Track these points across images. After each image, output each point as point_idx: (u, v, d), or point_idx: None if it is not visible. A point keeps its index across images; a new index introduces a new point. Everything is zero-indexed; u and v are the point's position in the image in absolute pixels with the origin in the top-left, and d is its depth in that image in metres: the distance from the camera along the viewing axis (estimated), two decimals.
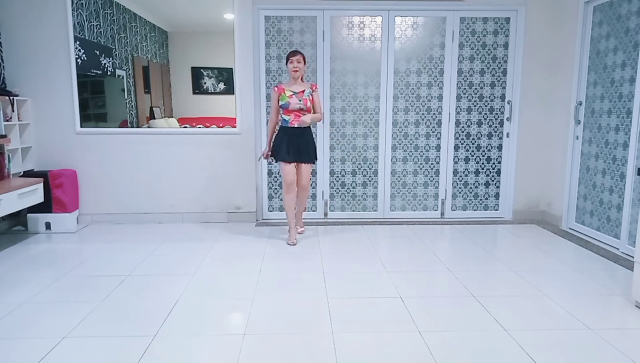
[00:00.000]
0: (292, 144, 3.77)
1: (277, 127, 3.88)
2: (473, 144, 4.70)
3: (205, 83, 4.55)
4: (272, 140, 3.89)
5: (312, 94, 3.82)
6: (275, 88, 3.82)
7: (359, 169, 4.70)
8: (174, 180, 4.56)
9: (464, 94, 4.61)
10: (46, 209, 4.20)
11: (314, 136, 4.05)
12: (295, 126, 3.78)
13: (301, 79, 3.83)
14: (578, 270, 3.31)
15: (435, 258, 3.55)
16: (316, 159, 3.97)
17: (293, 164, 3.82)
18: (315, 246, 3.84)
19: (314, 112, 3.85)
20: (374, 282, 3.06)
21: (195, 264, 3.41)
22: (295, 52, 3.76)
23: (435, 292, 2.91)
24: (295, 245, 3.87)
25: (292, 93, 3.77)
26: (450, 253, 3.67)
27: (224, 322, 2.51)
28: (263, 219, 4.72)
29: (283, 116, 3.82)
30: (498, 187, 4.77)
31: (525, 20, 4.47)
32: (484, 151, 4.71)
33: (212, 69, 4.53)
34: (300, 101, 3.74)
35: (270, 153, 3.90)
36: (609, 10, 3.86)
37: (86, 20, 4.29)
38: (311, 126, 3.90)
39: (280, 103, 3.77)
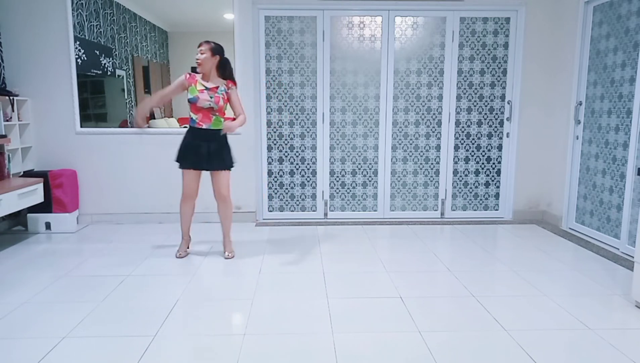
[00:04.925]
0: (200, 149, 3.32)
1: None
2: (473, 144, 4.70)
3: None
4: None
5: (227, 92, 3.34)
6: (188, 75, 3.33)
7: (359, 169, 4.70)
8: (174, 180, 4.55)
9: (464, 94, 4.61)
10: (46, 209, 4.20)
11: (227, 137, 3.44)
12: (204, 127, 3.30)
13: (218, 75, 3.36)
14: (578, 270, 3.31)
15: (435, 258, 3.55)
16: (232, 165, 3.45)
17: (197, 173, 3.41)
18: (315, 246, 3.84)
19: (235, 114, 3.41)
20: (374, 282, 3.06)
21: (195, 264, 3.41)
22: (203, 43, 3.28)
23: (435, 292, 2.91)
24: (182, 257, 3.51)
25: (203, 88, 3.29)
26: (450, 253, 3.67)
27: (224, 322, 2.51)
28: (263, 219, 4.72)
29: (190, 113, 3.34)
30: (498, 187, 4.77)
31: (525, 20, 4.47)
32: (484, 151, 4.71)
33: None
34: (211, 98, 3.27)
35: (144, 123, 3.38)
36: (609, 10, 3.86)
37: (86, 20, 4.29)
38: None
39: (188, 96, 3.28)
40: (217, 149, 3.35)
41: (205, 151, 3.33)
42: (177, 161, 3.43)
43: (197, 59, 3.27)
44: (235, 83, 3.41)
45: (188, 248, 3.65)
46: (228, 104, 3.39)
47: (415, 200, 4.76)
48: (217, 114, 3.32)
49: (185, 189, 3.47)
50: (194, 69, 3.40)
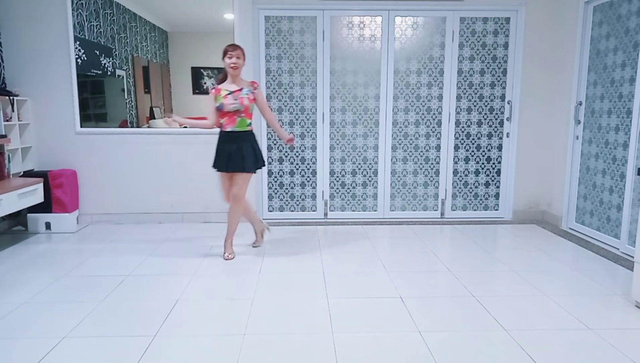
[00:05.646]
0: (225, 151, 3.39)
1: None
2: (473, 144, 4.70)
3: (205, 83, 4.55)
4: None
5: (253, 92, 3.40)
6: (213, 90, 3.40)
7: (359, 169, 4.70)
8: (174, 180, 4.55)
9: (464, 94, 4.61)
10: (46, 209, 4.20)
11: (256, 139, 3.50)
12: (228, 130, 3.37)
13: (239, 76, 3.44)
14: (578, 270, 3.31)
15: (435, 258, 3.55)
16: (257, 167, 3.46)
17: (228, 175, 3.45)
18: (315, 246, 3.84)
19: (269, 119, 3.53)
20: (374, 282, 3.06)
21: (195, 264, 3.41)
22: (235, 46, 3.35)
23: (435, 292, 2.91)
24: (231, 259, 3.51)
25: (227, 92, 3.35)
26: (450, 253, 3.67)
27: (224, 322, 2.51)
28: (263, 219, 4.72)
29: (220, 120, 3.41)
30: (498, 187, 4.77)
31: (525, 20, 4.47)
32: (484, 151, 4.71)
33: (212, 69, 4.53)
34: (236, 100, 3.32)
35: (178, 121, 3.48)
36: (609, 10, 3.86)
37: (86, 20, 4.29)
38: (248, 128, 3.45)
39: (216, 105, 3.37)
40: (238, 151, 3.37)
41: (228, 151, 3.39)
42: (214, 165, 3.50)
43: (234, 64, 3.32)
44: (258, 83, 3.49)
45: (226, 259, 3.56)
46: (254, 104, 3.46)
47: (415, 200, 4.76)
48: (242, 115, 3.38)
49: (222, 191, 3.56)
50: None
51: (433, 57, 4.55)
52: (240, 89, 3.37)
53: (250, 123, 3.44)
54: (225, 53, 3.35)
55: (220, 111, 3.36)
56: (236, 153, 3.37)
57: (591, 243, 3.93)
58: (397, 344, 2.26)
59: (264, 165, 3.56)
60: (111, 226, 4.45)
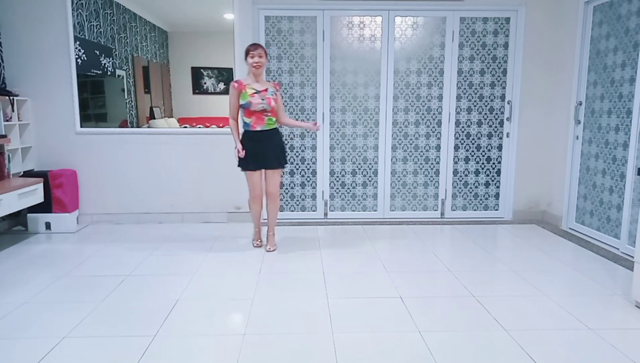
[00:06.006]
0: (257, 150, 3.46)
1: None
2: (473, 144, 4.70)
3: (205, 83, 4.55)
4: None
5: (276, 94, 3.49)
6: (235, 84, 3.40)
7: (359, 169, 4.70)
8: (174, 180, 4.55)
9: (464, 94, 4.61)
10: (46, 209, 4.20)
11: (282, 137, 3.65)
12: (258, 129, 3.44)
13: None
14: (578, 270, 3.31)
15: (435, 258, 3.55)
16: (285, 163, 3.64)
17: (259, 173, 3.54)
18: (315, 246, 3.84)
19: (279, 113, 3.55)
20: (374, 282, 3.06)
21: (195, 264, 3.41)
22: (256, 46, 3.40)
23: (435, 292, 2.91)
24: (259, 247, 3.73)
25: (254, 91, 3.39)
26: (450, 253, 3.67)
27: (224, 322, 2.51)
28: (263, 219, 4.71)
29: (243, 117, 3.47)
30: (498, 187, 4.77)
31: (525, 20, 4.47)
32: (484, 151, 4.71)
33: (212, 69, 4.53)
34: (263, 100, 3.38)
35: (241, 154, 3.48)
36: (609, 10, 3.86)
37: (86, 20, 4.29)
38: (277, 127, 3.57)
39: (241, 102, 3.40)
40: (273, 148, 3.49)
41: (261, 150, 3.46)
42: (239, 165, 3.54)
43: (257, 63, 3.36)
44: (280, 85, 3.55)
45: (269, 250, 3.69)
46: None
47: (415, 200, 4.76)
48: (269, 115, 3.44)
49: (253, 191, 3.58)
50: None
51: (433, 57, 4.55)
52: (266, 90, 3.43)
53: (276, 121, 3.53)
54: (247, 53, 3.39)
55: (246, 109, 3.41)
56: (269, 151, 3.47)
57: (591, 243, 3.93)
58: (397, 344, 2.26)
59: (287, 163, 3.77)
60: (111, 226, 4.45)
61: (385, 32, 4.50)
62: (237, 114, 3.53)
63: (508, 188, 4.75)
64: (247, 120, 3.44)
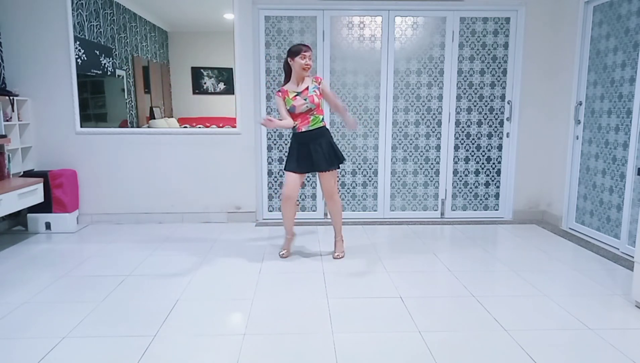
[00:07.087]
0: (304, 153, 3.35)
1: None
2: (473, 144, 4.70)
3: (205, 83, 4.55)
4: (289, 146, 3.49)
5: (318, 88, 3.34)
6: (279, 93, 3.35)
7: (359, 169, 4.70)
8: (174, 180, 4.55)
9: (464, 94, 4.61)
10: (46, 209, 4.20)
11: (330, 134, 3.48)
12: (304, 130, 3.33)
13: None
14: (578, 270, 3.31)
15: (435, 258, 3.55)
16: (339, 162, 3.43)
17: (297, 175, 3.39)
18: (316, 246, 3.84)
19: (336, 105, 3.45)
20: (374, 282, 3.06)
21: (195, 264, 3.41)
22: (309, 47, 3.31)
23: (435, 292, 2.91)
24: (286, 257, 3.53)
25: (295, 94, 3.32)
26: (450, 253, 3.67)
27: (224, 322, 2.51)
28: (263, 219, 4.72)
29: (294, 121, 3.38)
30: (498, 187, 4.77)
31: (525, 20, 4.47)
32: (484, 151, 4.71)
33: (212, 69, 4.53)
34: (305, 100, 3.29)
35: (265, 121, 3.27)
36: (609, 10, 3.86)
37: (86, 20, 4.29)
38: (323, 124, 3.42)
39: (287, 108, 3.34)
40: (321, 150, 3.34)
41: (308, 153, 3.33)
42: (288, 167, 3.40)
43: (307, 64, 3.27)
44: (321, 78, 3.40)
45: (336, 257, 3.54)
46: (323, 100, 3.39)
47: (415, 200, 4.76)
48: (314, 113, 3.33)
49: (287, 191, 3.39)
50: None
51: (433, 57, 4.55)
52: (307, 88, 3.32)
53: (322, 119, 3.39)
54: (298, 53, 3.27)
55: (292, 113, 3.32)
56: (317, 154, 3.33)
57: (591, 243, 3.93)
58: (397, 344, 2.26)
59: (344, 159, 3.50)
60: (111, 226, 4.45)
61: (385, 32, 4.50)
62: (289, 116, 3.38)
63: (508, 188, 4.75)
64: (295, 123, 3.36)
